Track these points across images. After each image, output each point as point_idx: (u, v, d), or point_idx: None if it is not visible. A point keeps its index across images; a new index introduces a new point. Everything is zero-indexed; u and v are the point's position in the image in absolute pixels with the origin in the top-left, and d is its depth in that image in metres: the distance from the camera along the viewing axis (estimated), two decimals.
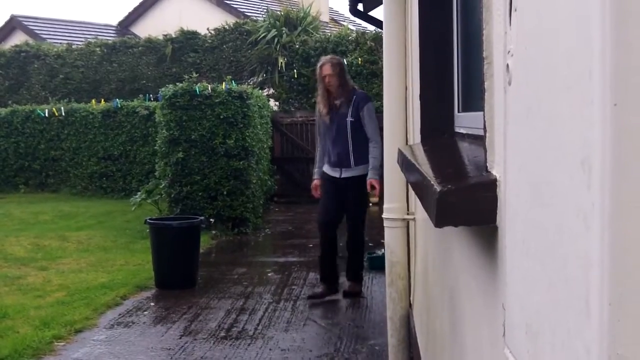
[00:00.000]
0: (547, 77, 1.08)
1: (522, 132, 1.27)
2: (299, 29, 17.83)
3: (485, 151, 1.68)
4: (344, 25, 21.32)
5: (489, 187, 1.55)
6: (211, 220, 11.21)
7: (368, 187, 7.16)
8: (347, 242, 7.50)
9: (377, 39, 15.92)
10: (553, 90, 1.04)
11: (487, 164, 1.67)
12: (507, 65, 1.38)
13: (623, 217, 0.82)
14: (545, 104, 1.10)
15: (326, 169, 7.43)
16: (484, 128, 1.70)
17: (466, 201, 1.57)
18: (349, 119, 7.20)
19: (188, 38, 19.10)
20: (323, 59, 7.51)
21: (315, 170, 7.61)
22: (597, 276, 0.85)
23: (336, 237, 7.41)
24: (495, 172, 1.59)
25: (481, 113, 1.75)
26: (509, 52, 1.37)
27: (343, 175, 7.30)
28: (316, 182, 7.54)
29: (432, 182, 1.68)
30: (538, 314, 1.15)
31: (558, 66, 1.01)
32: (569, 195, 0.96)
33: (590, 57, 0.86)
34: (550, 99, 1.06)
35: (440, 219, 1.58)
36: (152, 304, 7.33)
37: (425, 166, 2.24)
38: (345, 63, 7.70)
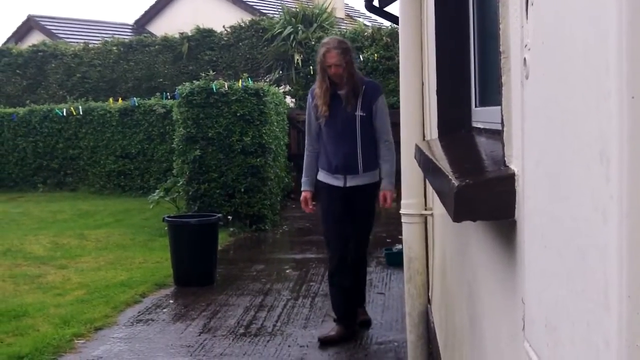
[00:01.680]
0: (564, 71, 1.08)
1: (540, 125, 1.27)
2: (315, 25, 17.84)
3: (503, 145, 1.68)
4: (359, 21, 21.29)
5: (507, 181, 1.56)
6: (229, 217, 11.24)
7: (381, 199, 5.94)
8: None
9: (393, 35, 15.89)
10: (570, 83, 1.04)
11: (505, 159, 1.67)
12: (525, 59, 1.38)
13: None
14: (562, 97, 1.10)
15: (324, 177, 6.06)
16: (502, 122, 1.69)
17: (484, 195, 1.57)
18: (359, 113, 5.86)
19: (204, 36, 19.14)
20: (327, 42, 6.09)
21: (305, 179, 6.17)
22: (615, 269, 0.85)
23: (351, 268, 6.03)
24: (514, 166, 1.59)
25: (498, 107, 1.75)
26: (526, 46, 1.37)
27: (349, 184, 5.92)
28: (307, 194, 6.13)
29: (450, 177, 1.68)
30: (557, 307, 1.15)
31: (575, 59, 1.01)
32: (587, 188, 0.96)
33: (607, 49, 0.86)
34: (567, 92, 1.06)
35: (459, 213, 1.58)
36: (171, 301, 7.36)
37: (442, 161, 2.24)
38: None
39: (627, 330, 0.84)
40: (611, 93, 0.85)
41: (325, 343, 5.81)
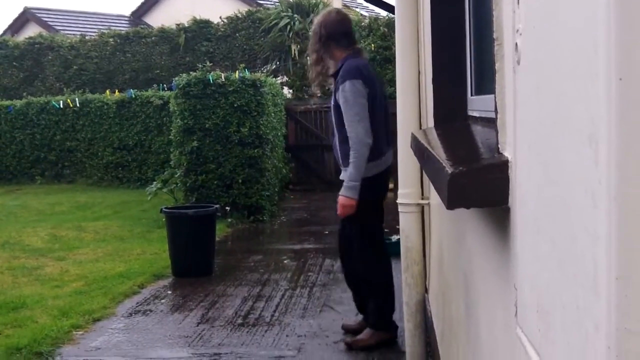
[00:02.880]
0: (555, 55, 1.08)
1: (532, 111, 1.27)
2: (312, 15, 17.80)
3: (497, 133, 1.68)
4: (356, 11, 21.25)
5: (501, 168, 1.55)
6: (227, 208, 11.24)
7: (338, 207, 5.25)
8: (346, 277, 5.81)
9: (390, 25, 15.87)
10: (561, 67, 1.04)
11: (499, 146, 1.67)
12: (516, 44, 1.38)
13: (629, 192, 0.82)
14: (553, 81, 1.09)
15: None
16: (495, 110, 1.69)
17: (478, 183, 1.57)
18: (332, 102, 5.34)
19: (201, 27, 19.12)
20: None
21: None
22: (604, 252, 0.85)
23: (348, 263, 5.75)
24: (507, 153, 1.59)
25: (493, 95, 1.75)
26: (517, 31, 1.37)
27: (341, 177, 5.39)
28: None
29: (443, 165, 1.68)
30: (548, 293, 1.15)
31: (565, 43, 1.01)
32: (577, 173, 0.96)
33: (595, 32, 0.86)
34: (558, 76, 1.06)
35: (452, 201, 1.58)
36: (169, 292, 7.36)
37: (437, 149, 2.24)
38: (336, 21, 5.41)
39: (616, 313, 0.84)
40: (599, 75, 0.85)
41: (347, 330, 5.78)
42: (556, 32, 1.06)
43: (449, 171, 1.56)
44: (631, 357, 0.83)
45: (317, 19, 5.47)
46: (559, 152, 1.07)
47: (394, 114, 5.05)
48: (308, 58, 5.40)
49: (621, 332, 0.83)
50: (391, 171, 5.51)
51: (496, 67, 1.68)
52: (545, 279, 1.18)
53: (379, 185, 5.41)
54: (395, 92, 5.12)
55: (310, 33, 5.46)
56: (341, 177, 5.41)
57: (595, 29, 0.86)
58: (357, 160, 5.12)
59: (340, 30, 5.39)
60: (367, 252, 5.53)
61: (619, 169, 0.82)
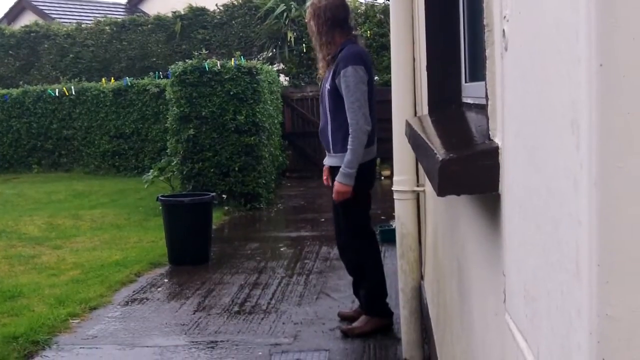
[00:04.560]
0: (539, 41, 1.08)
1: (518, 97, 1.27)
2: (308, 2, 17.75)
3: (488, 119, 1.68)
4: None
5: (491, 154, 1.55)
6: (223, 196, 11.24)
7: (334, 193, 5.19)
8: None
9: (387, 12, 15.82)
10: (545, 53, 1.04)
11: (490, 132, 1.67)
12: (504, 30, 1.38)
13: (609, 176, 0.82)
14: (538, 67, 1.09)
15: None
16: (486, 96, 1.69)
17: (468, 169, 1.57)
18: (327, 85, 5.23)
19: (197, 14, 19.05)
20: None
21: None
22: (586, 237, 0.86)
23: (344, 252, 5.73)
24: (498, 139, 1.59)
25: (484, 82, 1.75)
26: (505, 17, 1.37)
27: (325, 163, 5.44)
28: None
29: (434, 151, 1.68)
30: (535, 279, 1.16)
31: (549, 29, 1.01)
32: (559, 158, 0.96)
33: (577, 18, 0.86)
34: (542, 62, 1.06)
35: (443, 188, 1.58)
36: (165, 280, 7.36)
37: (429, 136, 2.24)
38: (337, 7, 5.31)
39: (597, 299, 0.84)
40: (580, 61, 0.85)
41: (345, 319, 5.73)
42: (540, 18, 1.06)
43: (440, 158, 1.56)
44: (612, 343, 0.84)
45: (317, 3, 5.33)
46: (543, 137, 1.07)
47: (389, 101, 5.03)
48: (319, 40, 5.30)
49: (602, 319, 0.84)
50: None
51: (487, 54, 1.68)
52: (531, 265, 1.18)
53: (370, 172, 5.42)
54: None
55: (308, 17, 5.44)
56: (325, 162, 5.43)
57: (577, 16, 0.85)
58: (357, 148, 5.09)
59: (343, 16, 5.34)
60: (357, 238, 5.50)
61: (600, 154, 0.82)
